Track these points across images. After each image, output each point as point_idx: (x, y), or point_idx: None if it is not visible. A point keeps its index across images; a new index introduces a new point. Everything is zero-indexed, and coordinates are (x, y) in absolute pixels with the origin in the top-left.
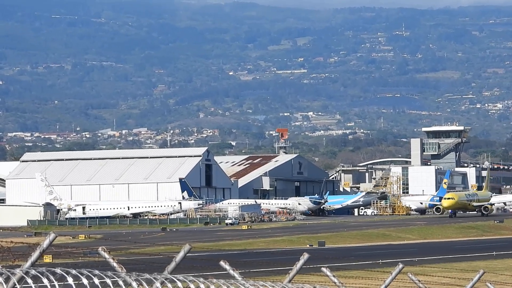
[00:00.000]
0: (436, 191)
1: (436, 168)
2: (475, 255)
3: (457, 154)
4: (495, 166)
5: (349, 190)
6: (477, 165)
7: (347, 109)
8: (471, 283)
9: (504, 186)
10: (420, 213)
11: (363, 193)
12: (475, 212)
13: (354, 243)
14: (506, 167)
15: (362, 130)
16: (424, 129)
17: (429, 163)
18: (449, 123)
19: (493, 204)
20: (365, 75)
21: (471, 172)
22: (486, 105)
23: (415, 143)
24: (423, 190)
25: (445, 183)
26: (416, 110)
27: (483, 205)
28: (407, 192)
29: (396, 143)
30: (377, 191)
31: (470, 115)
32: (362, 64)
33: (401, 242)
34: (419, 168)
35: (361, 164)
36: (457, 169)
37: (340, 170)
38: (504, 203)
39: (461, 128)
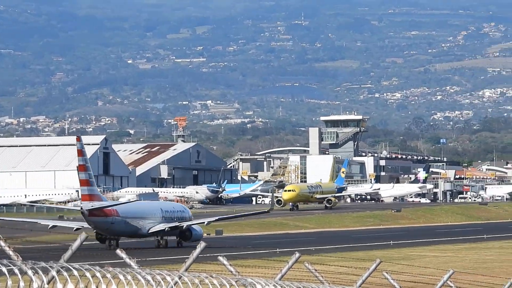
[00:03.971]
0: (334, 180)
1: (334, 157)
2: (373, 244)
3: (355, 143)
4: (393, 155)
5: (247, 179)
6: (375, 154)
7: (246, 98)
8: (367, 272)
9: (402, 175)
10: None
11: (261, 182)
12: (322, 204)
13: (252, 232)
14: (404, 156)
15: (260, 119)
16: (322, 118)
17: (327, 152)
18: (347, 112)
19: (339, 196)
20: (264, 64)
21: (369, 161)
22: (384, 94)
23: (313, 132)
24: (321, 179)
25: (343, 172)
26: (314, 99)
27: (326, 197)
28: (305, 181)
29: (294, 132)
30: (275, 180)
31: (368, 105)
32: (261, 53)
33: (299, 231)
34: (317, 157)
35: (259, 153)
36: (355, 158)
37: (238, 158)
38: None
39: (360, 117)
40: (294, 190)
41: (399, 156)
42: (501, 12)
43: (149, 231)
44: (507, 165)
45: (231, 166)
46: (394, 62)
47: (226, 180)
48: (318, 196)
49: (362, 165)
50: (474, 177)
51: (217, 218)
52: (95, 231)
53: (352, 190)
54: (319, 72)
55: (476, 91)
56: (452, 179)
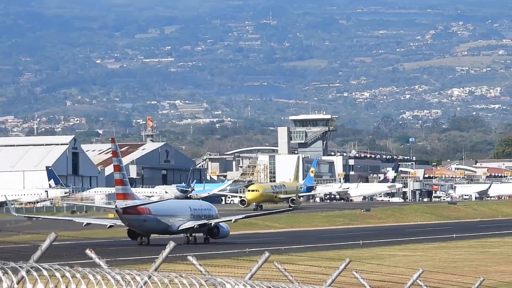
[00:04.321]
0: (303, 179)
1: (303, 156)
2: (342, 244)
3: (324, 142)
4: (362, 155)
5: (216, 179)
6: (344, 154)
7: (214, 98)
8: (337, 272)
9: (371, 174)
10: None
11: (230, 181)
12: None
13: None
14: (372, 155)
15: (229, 119)
16: (291, 117)
17: (296, 152)
18: (316, 111)
19: (308, 195)
20: (232, 64)
21: (338, 161)
22: (353, 93)
23: (282, 132)
24: (290, 179)
25: (312, 171)
26: (283, 99)
27: (290, 197)
28: (274, 181)
29: (263, 132)
30: (244, 180)
31: (337, 104)
32: (229, 53)
33: (268, 230)
34: (286, 156)
35: (228, 153)
36: (324, 157)
37: (207, 158)
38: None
39: (328, 116)
40: (257, 190)
41: (368, 155)
42: (470, 11)
43: (179, 228)
44: (476, 164)
45: (200, 166)
46: (363, 61)
47: (195, 180)
48: (282, 196)
49: (331, 164)
50: (443, 176)
51: (244, 216)
52: (127, 228)
53: (321, 189)
54: (288, 72)
55: (444, 90)
56: (421, 178)
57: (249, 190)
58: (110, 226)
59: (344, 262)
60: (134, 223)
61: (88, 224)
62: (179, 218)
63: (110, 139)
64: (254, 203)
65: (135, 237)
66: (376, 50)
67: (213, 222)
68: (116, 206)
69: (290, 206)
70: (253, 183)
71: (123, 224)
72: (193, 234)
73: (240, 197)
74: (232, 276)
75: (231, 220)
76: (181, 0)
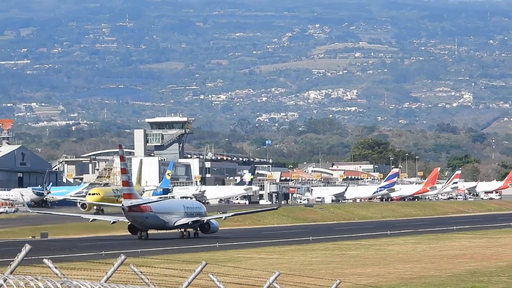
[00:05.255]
0: (159, 182)
1: (159, 159)
2: (199, 247)
3: (181, 145)
4: (219, 157)
5: (72, 181)
6: (201, 156)
7: (71, 100)
8: (193, 274)
9: (228, 177)
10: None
11: (87, 184)
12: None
13: (77, 235)
14: (229, 158)
15: (85, 121)
16: (147, 120)
17: (152, 154)
18: (172, 114)
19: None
20: (88, 66)
21: (194, 163)
22: (209, 96)
23: (138, 134)
24: (146, 181)
25: (168, 174)
26: (139, 101)
27: None
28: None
29: (120, 134)
30: (101, 182)
31: (193, 106)
32: (85, 55)
33: (125, 233)
34: (142, 159)
35: (84, 155)
36: (180, 160)
37: (63, 161)
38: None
39: (185, 119)
40: (98, 194)
41: (225, 158)
42: (326, 14)
43: (175, 224)
44: (332, 166)
45: (56, 169)
46: (219, 64)
47: (51, 183)
48: None
49: (187, 167)
50: (299, 178)
51: (233, 213)
52: (129, 223)
53: (178, 192)
54: (144, 74)
55: (301, 93)
56: (277, 180)
57: (89, 194)
58: (114, 222)
59: (201, 265)
60: (137, 219)
61: (94, 220)
62: (174, 215)
63: (118, 145)
64: (95, 207)
65: (135, 232)
66: (232, 53)
67: (205, 219)
68: (122, 205)
69: None
70: (110, 186)
71: (126, 220)
72: (187, 230)
73: (81, 200)
74: (88, 279)
75: (222, 217)
76: (37, 2)
